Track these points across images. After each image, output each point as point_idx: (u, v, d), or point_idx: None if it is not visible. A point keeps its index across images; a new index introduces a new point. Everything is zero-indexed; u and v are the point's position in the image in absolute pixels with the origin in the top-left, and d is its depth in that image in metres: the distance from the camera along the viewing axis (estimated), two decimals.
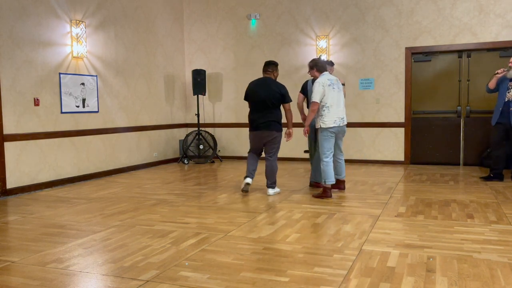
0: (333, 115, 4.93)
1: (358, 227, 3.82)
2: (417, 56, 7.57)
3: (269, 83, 5.30)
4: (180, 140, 8.81)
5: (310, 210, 4.48)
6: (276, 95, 5.23)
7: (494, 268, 2.81)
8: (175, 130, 8.87)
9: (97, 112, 6.89)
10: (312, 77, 5.31)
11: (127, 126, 7.54)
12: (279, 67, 8.48)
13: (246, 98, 5.43)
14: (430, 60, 7.54)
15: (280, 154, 8.53)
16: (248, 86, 5.42)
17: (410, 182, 6.03)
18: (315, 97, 4.92)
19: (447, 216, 4.14)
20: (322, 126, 4.97)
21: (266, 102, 5.21)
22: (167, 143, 8.61)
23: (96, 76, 6.86)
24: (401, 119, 7.68)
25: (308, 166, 7.72)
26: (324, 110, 4.94)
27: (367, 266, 2.89)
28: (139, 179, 6.71)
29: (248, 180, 5.32)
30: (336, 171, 5.28)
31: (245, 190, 5.35)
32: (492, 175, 5.96)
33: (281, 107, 5.37)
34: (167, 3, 8.58)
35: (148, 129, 8.05)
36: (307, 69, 8.17)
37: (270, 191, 5.32)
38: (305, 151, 8.40)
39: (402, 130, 7.70)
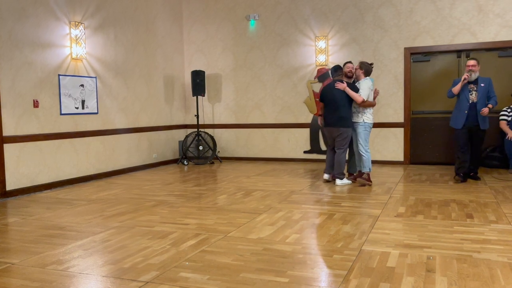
0: (372, 113, 5.86)
1: (357, 227, 3.82)
2: (416, 56, 7.58)
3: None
4: (179, 141, 8.81)
5: (310, 211, 4.48)
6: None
7: (493, 268, 2.81)
8: (175, 131, 8.87)
9: (97, 113, 6.89)
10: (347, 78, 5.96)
11: (127, 128, 7.53)
12: (278, 68, 8.54)
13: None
14: (429, 60, 7.55)
15: (280, 154, 8.56)
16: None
17: (410, 182, 6.03)
18: (365, 95, 5.73)
19: (447, 216, 4.14)
20: (366, 121, 5.80)
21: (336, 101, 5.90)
22: (166, 144, 8.61)
23: (96, 77, 6.87)
24: (401, 119, 7.68)
25: (307, 166, 7.73)
26: (366, 108, 5.80)
27: (367, 266, 2.89)
28: (138, 180, 6.71)
29: (325, 176, 6.14)
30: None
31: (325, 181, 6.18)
32: (462, 174, 5.92)
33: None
34: (167, 4, 8.58)
35: (148, 130, 8.06)
36: (306, 69, 8.24)
37: (338, 181, 5.88)
38: (305, 152, 8.41)
39: (401, 130, 7.70)
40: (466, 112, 5.78)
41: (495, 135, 6.94)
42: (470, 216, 4.12)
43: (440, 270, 2.79)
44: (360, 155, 5.85)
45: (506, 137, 6.57)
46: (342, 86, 5.77)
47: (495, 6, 7.03)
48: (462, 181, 5.85)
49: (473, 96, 5.78)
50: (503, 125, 6.69)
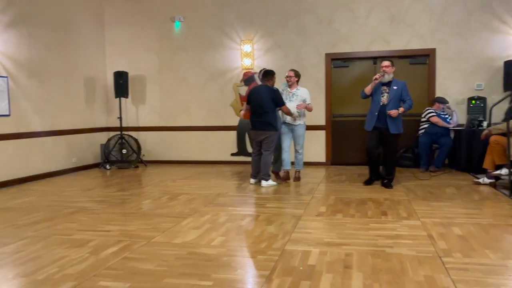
0: None
1: (281, 228, 3.91)
2: (336, 62, 7.93)
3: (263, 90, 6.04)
4: (101, 145, 8.46)
5: (236, 213, 4.52)
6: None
7: (403, 261, 3.02)
8: (96, 134, 8.51)
9: (9, 115, 6.43)
10: (271, 84, 6.11)
11: (43, 131, 7.10)
12: (205, 71, 8.50)
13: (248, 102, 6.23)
14: (348, 66, 7.94)
15: (207, 157, 8.53)
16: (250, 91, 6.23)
17: (331, 183, 6.29)
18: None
19: (364, 214, 4.37)
20: (305, 123, 6.30)
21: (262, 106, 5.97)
22: (87, 147, 8.23)
23: (7, 77, 6.40)
24: (322, 122, 7.99)
25: (234, 168, 7.78)
26: (304, 112, 6.25)
27: (288, 265, 2.98)
28: (56, 186, 6.36)
29: (251, 181, 6.25)
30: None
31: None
32: (369, 179, 5.97)
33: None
34: (87, 2, 8.22)
35: (66, 133, 7.64)
36: (232, 72, 8.29)
37: (263, 183, 6.00)
38: (232, 154, 8.47)
39: (323, 132, 8.02)
40: (376, 114, 5.64)
41: (409, 137, 7.43)
42: (384, 214, 4.38)
43: (356, 266, 2.95)
44: (299, 155, 6.37)
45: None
46: (303, 106, 6.07)
47: (406, 16, 7.57)
48: (366, 184, 5.93)
49: (384, 98, 5.62)
50: (436, 119, 7.03)
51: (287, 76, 6.21)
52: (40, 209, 4.82)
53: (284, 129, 6.25)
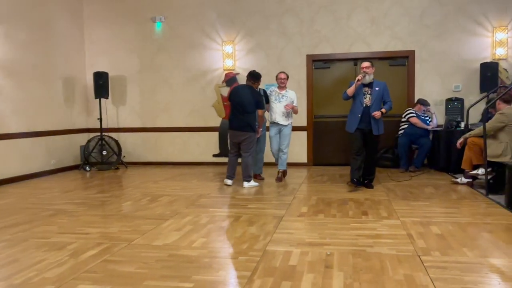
0: None
1: (263, 228, 3.92)
2: (317, 63, 7.99)
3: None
4: (81, 146, 8.34)
5: (217, 214, 4.51)
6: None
7: (384, 260, 3.06)
8: (76, 136, 8.38)
9: None
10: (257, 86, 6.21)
11: (21, 132, 6.97)
12: (186, 71, 8.47)
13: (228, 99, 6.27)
14: (329, 67, 8.00)
15: (189, 158, 8.49)
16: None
17: (312, 183, 6.33)
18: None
19: (345, 214, 4.41)
20: (292, 124, 6.44)
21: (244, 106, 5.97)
22: (66, 149, 8.11)
23: None
24: (304, 123, 8.04)
25: (216, 170, 7.76)
26: (291, 113, 6.39)
27: (270, 266, 2.98)
28: (34, 188, 6.24)
29: (228, 182, 6.17)
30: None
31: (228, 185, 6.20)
32: (356, 179, 5.68)
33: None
34: (65, 1, 8.09)
35: (45, 134, 7.52)
36: (214, 73, 8.27)
37: (245, 184, 5.99)
38: (214, 155, 8.45)
39: (304, 133, 8.06)
40: (359, 115, 5.60)
41: (389, 137, 7.53)
42: (365, 213, 4.43)
43: (337, 266, 2.97)
44: (284, 155, 6.42)
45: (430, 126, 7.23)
46: (291, 107, 6.20)
47: (386, 19, 7.67)
48: (356, 186, 5.69)
49: (367, 100, 5.60)
50: (415, 119, 7.16)
51: (281, 78, 6.34)
52: (17, 212, 4.73)
53: (272, 131, 6.38)
